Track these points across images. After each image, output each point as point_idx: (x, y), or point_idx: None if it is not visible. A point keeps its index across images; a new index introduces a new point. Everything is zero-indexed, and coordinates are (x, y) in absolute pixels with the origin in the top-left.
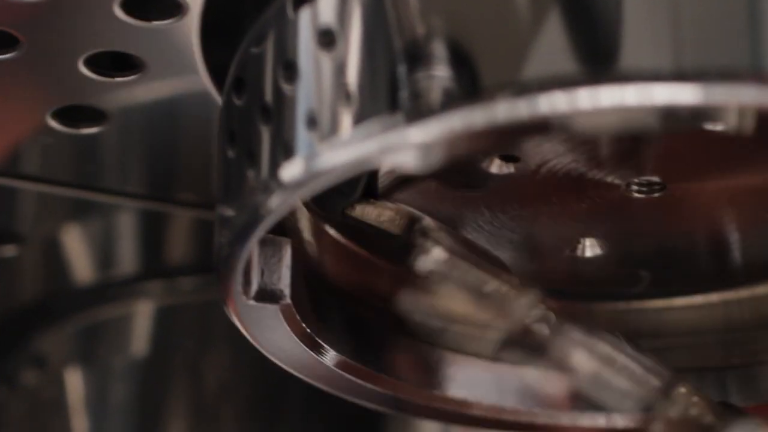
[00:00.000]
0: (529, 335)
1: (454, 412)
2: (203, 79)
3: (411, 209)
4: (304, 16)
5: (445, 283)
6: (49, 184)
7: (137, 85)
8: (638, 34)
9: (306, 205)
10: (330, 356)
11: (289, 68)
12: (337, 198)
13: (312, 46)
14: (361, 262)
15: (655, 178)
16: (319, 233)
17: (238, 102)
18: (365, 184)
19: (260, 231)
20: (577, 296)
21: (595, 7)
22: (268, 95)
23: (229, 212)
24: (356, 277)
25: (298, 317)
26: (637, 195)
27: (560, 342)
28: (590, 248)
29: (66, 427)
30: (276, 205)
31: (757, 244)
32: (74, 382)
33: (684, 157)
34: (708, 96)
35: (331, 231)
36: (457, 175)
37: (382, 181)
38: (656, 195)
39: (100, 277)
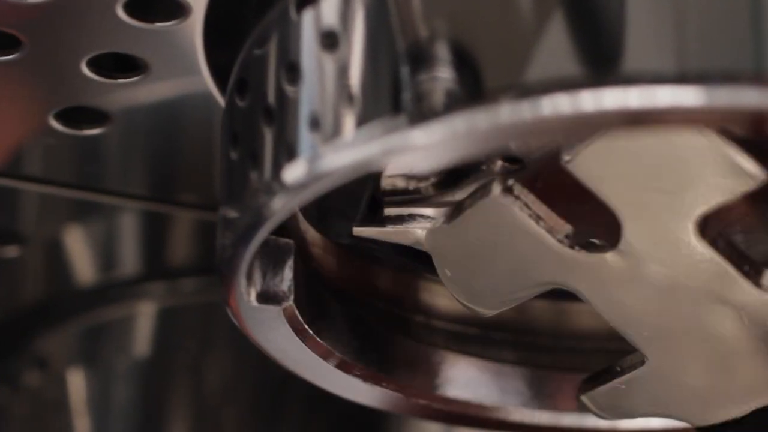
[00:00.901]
0: None
1: (456, 413)
2: (206, 81)
3: None
4: (307, 18)
5: None
6: (52, 185)
7: (140, 86)
8: (641, 36)
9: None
10: (332, 357)
11: (291, 70)
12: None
13: (315, 48)
14: (363, 263)
15: None
16: (321, 235)
17: (240, 103)
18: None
19: (263, 233)
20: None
21: (599, 9)
22: (271, 97)
23: (232, 214)
24: (358, 278)
25: (300, 318)
26: None
27: None
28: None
29: (68, 428)
30: (279, 206)
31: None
32: (76, 383)
33: None
34: (710, 98)
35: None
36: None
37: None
38: None
39: (102, 278)
